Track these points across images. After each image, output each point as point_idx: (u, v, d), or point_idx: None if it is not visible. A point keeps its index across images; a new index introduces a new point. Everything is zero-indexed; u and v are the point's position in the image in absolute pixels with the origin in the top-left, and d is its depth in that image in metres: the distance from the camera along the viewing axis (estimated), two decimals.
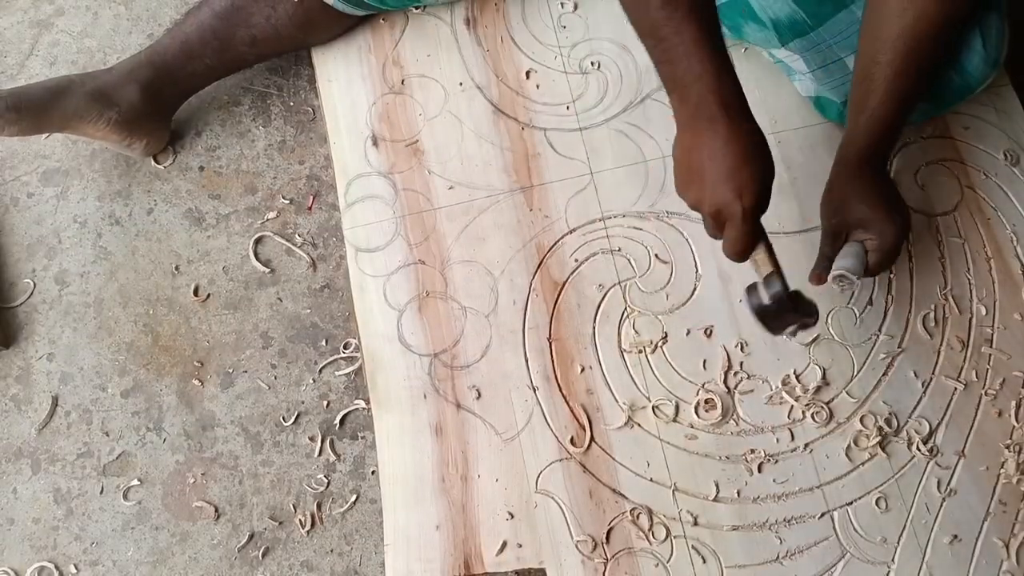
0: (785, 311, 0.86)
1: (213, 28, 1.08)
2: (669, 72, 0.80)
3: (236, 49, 1.10)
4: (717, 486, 0.99)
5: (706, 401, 1.01)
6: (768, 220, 1.08)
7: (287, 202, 1.14)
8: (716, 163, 0.78)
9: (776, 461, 1.00)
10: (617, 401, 1.02)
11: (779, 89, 1.16)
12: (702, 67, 0.77)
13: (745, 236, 0.81)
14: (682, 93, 0.80)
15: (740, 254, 0.83)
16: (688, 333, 1.05)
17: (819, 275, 0.96)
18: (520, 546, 0.97)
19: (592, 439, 1.00)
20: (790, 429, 1.01)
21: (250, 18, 1.08)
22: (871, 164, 0.94)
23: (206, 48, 1.09)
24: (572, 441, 1.00)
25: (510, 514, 0.98)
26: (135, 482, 1.03)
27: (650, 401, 1.02)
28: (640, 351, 1.04)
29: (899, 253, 0.95)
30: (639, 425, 1.01)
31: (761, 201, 0.80)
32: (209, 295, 1.10)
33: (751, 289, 0.87)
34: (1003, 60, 1.04)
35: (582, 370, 1.03)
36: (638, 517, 0.98)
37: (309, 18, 1.10)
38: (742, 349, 1.04)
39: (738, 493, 0.99)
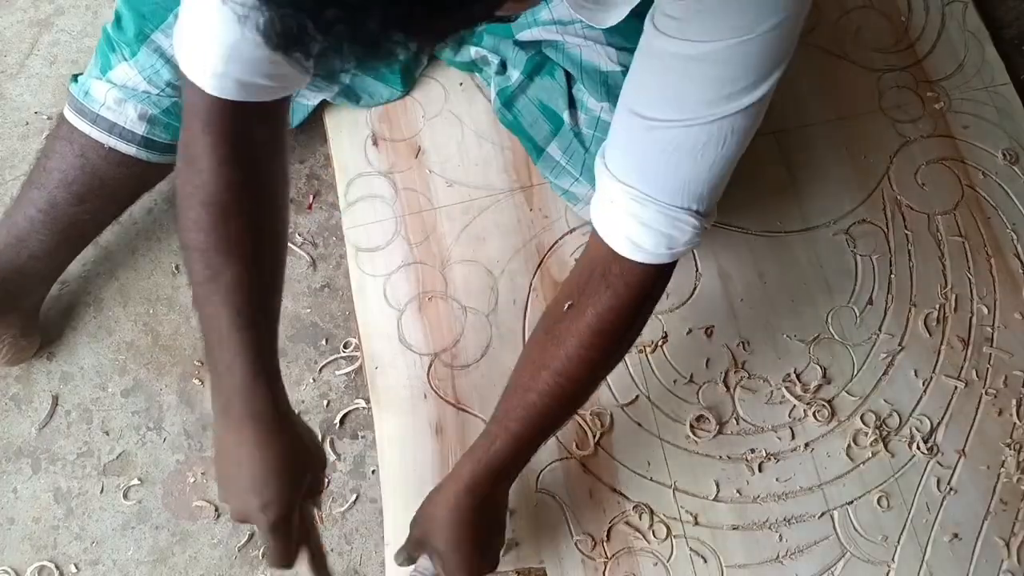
0: None
1: (31, 199, 0.96)
2: (207, 350, 0.75)
3: (64, 212, 0.96)
4: (717, 485, 0.99)
5: (698, 418, 1.01)
6: (768, 220, 1.09)
7: None
8: (242, 471, 0.73)
9: (778, 460, 1.00)
10: (617, 401, 1.02)
11: (779, 88, 1.16)
12: (234, 360, 0.72)
13: (276, 550, 0.75)
14: (216, 381, 0.74)
15: (276, 566, 0.77)
16: (688, 333, 1.05)
17: (403, 561, 0.88)
18: (520, 545, 0.97)
19: (597, 444, 1.00)
20: (791, 428, 1.01)
21: (66, 173, 0.96)
22: (479, 495, 0.81)
23: (32, 224, 0.96)
24: (577, 446, 1.00)
25: (510, 513, 0.98)
26: (135, 481, 1.03)
27: (651, 401, 1.02)
28: (640, 351, 1.04)
29: None
30: (639, 425, 1.01)
31: (287, 514, 0.74)
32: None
33: None
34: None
35: None
36: (639, 516, 0.98)
37: (128, 162, 0.97)
38: (744, 348, 1.04)
39: (739, 492, 0.99)
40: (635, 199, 0.69)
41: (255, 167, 0.73)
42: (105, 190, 0.98)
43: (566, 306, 0.76)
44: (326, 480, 0.81)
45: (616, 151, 0.71)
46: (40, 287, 1.03)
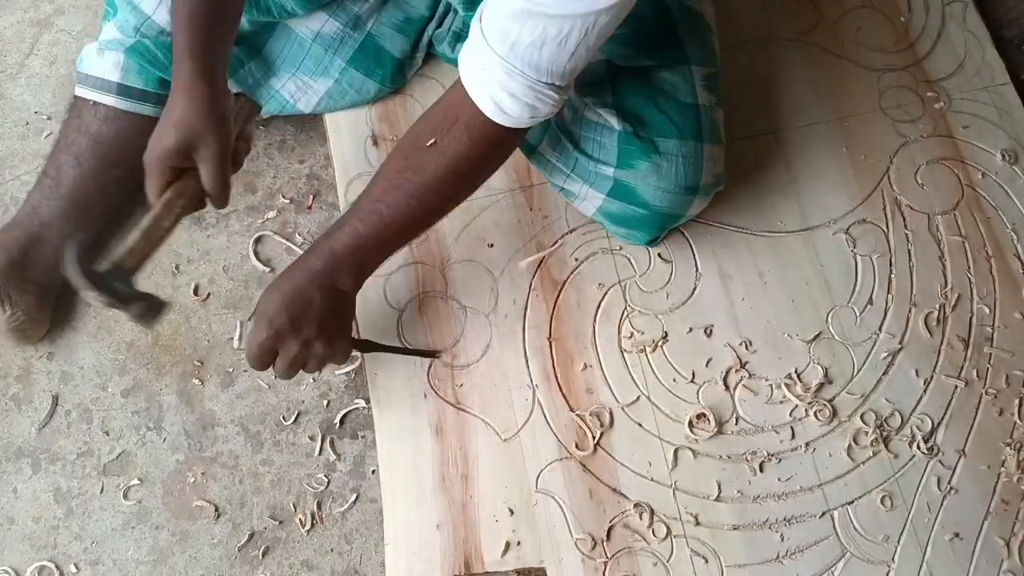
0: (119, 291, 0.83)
1: (44, 170, 1.05)
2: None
3: (67, 175, 1.04)
4: (719, 486, 0.99)
5: (699, 416, 1.01)
6: (769, 220, 1.09)
7: (287, 201, 1.14)
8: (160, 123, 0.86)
9: (779, 460, 1.00)
10: (618, 401, 1.02)
11: (779, 88, 1.16)
12: (180, 49, 0.85)
13: (147, 186, 0.86)
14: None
15: (150, 195, 0.86)
16: (688, 332, 1.05)
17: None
18: (520, 545, 0.97)
19: (597, 444, 1.00)
20: (792, 427, 1.01)
21: (67, 137, 1.04)
22: (325, 279, 0.88)
23: (44, 192, 1.04)
24: (577, 446, 1.00)
25: (510, 512, 0.98)
26: (135, 481, 1.03)
27: (651, 401, 1.02)
28: (640, 350, 1.04)
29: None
30: (640, 425, 1.01)
31: (157, 160, 0.84)
32: (209, 294, 1.10)
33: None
34: (710, 185, 0.98)
35: (584, 368, 1.03)
36: (639, 516, 0.97)
37: (112, 115, 1.04)
38: (745, 348, 1.04)
39: (739, 492, 0.99)
40: (506, 71, 0.77)
41: None
42: (99, 149, 1.04)
43: (428, 142, 0.84)
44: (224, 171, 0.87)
45: (494, 21, 0.77)
46: (55, 257, 1.05)
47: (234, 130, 0.89)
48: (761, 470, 0.99)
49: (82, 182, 1.04)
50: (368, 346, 1.00)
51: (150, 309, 0.85)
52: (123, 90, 1.03)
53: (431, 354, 1.04)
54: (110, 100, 1.03)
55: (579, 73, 0.81)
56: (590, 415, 1.01)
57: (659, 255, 1.08)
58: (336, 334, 0.90)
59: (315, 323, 0.87)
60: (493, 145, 0.85)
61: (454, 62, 1.13)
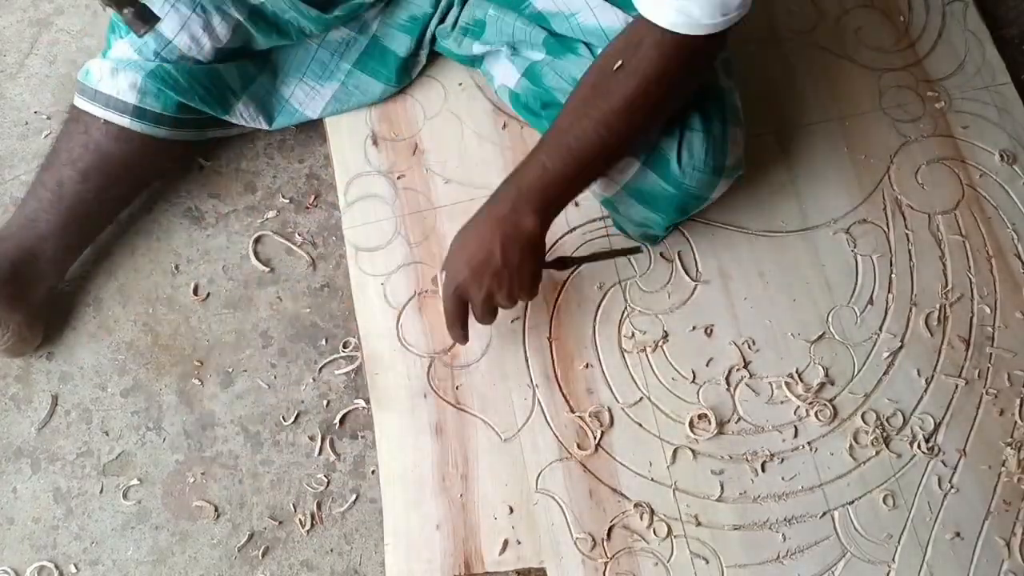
0: None
1: (41, 180, 1.02)
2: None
3: (70, 190, 1.01)
4: (722, 486, 0.99)
5: (700, 416, 1.01)
6: (770, 220, 1.09)
7: (287, 201, 1.14)
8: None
9: (780, 460, 1.00)
10: (618, 401, 1.02)
11: (780, 88, 1.16)
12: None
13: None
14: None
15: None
16: (689, 332, 1.05)
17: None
18: (520, 545, 0.97)
19: (598, 445, 1.00)
20: (792, 427, 1.01)
21: (72, 151, 1.02)
22: (517, 217, 0.88)
23: (41, 204, 1.01)
24: (578, 446, 1.00)
25: (510, 512, 0.98)
26: (135, 481, 1.03)
27: (651, 400, 1.02)
28: (641, 350, 1.04)
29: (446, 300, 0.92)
30: (640, 425, 1.01)
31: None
32: (209, 294, 1.10)
33: None
34: (734, 167, 0.98)
35: (587, 366, 1.03)
36: (640, 517, 0.97)
37: (124, 136, 1.02)
38: (745, 348, 1.04)
39: (740, 492, 0.99)
40: None
41: None
42: (107, 167, 1.02)
43: (616, 65, 0.80)
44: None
45: None
46: (49, 273, 1.04)
47: None
48: (763, 470, 0.99)
49: (86, 197, 1.02)
50: (567, 262, 0.99)
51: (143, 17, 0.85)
52: (139, 112, 1.01)
53: (634, 251, 1.03)
54: (124, 121, 1.01)
55: None
56: (590, 415, 1.01)
57: (660, 254, 1.08)
58: (519, 282, 0.90)
59: (496, 275, 0.87)
60: (686, 59, 0.79)
61: (459, 58, 1.14)
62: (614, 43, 0.84)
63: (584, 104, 0.83)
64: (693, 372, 1.03)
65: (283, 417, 1.05)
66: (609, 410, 1.01)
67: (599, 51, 0.98)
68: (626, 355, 1.04)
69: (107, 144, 1.01)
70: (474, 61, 1.13)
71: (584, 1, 0.98)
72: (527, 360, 1.04)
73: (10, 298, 1.00)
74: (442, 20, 1.11)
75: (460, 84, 1.15)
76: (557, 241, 1.08)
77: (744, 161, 1.00)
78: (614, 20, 0.96)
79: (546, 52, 1.03)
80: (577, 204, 1.09)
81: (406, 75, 1.14)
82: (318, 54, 1.10)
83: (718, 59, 0.97)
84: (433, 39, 1.13)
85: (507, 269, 0.88)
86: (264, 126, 1.11)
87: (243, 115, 1.08)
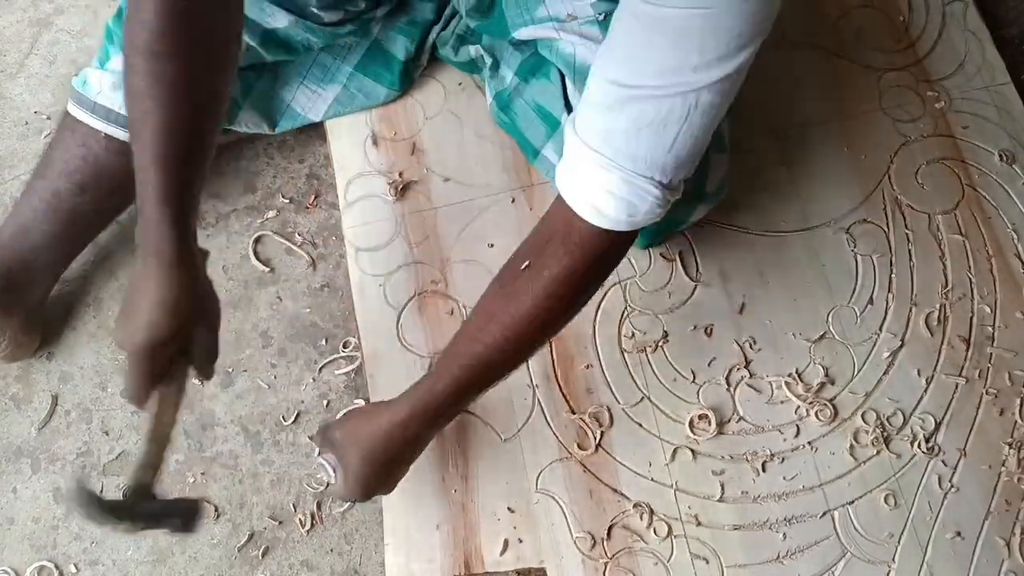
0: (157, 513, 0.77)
1: (35, 189, 0.99)
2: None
3: (67, 202, 0.99)
4: (722, 486, 0.99)
5: (700, 416, 1.01)
6: (770, 220, 1.09)
7: (287, 201, 1.14)
8: (130, 300, 0.74)
9: (780, 460, 1.00)
10: (618, 401, 1.02)
11: (780, 88, 1.16)
12: (146, 198, 0.73)
13: (129, 381, 0.75)
14: (139, 217, 0.75)
15: (127, 398, 0.77)
16: (689, 332, 1.05)
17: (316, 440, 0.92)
18: (520, 545, 0.97)
19: (599, 445, 1.00)
20: (792, 427, 1.01)
21: (68, 163, 0.98)
22: (418, 430, 0.84)
23: (36, 214, 0.99)
24: (578, 446, 1.00)
25: (510, 512, 0.98)
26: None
27: (651, 401, 1.02)
28: (641, 350, 1.04)
29: None
30: (640, 425, 1.01)
31: (149, 348, 0.73)
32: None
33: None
34: (714, 193, 0.98)
35: (587, 366, 1.03)
36: (640, 516, 0.97)
37: (125, 150, 0.97)
38: (745, 348, 1.04)
39: (741, 493, 0.99)
40: (600, 165, 0.70)
41: (200, 18, 0.73)
42: (105, 179, 1.00)
43: (523, 265, 0.77)
44: (212, 347, 0.82)
45: (584, 115, 0.72)
46: (43, 281, 1.04)
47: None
48: (763, 470, 0.99)
49: (83, 209, 1.00)
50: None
51: (187, 517, 0.79)
52: None
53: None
54: (125, 136, 0.97)
55: (685, 171, 0.72)
56: (589, 416, 1.01)
57: (660, 255, 1.08)
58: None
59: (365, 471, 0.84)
60: (592, 258, 0.75)
61: (457, 65, 1.14)
62: (531, 233, 0.80)
63: (493, 305, 0.79)
64: (693, 372, 1.03)
65: (283, 417, 1.05)
66: (609, 410, 1.01)
67: (569, 84, 0.98)
68: (626, 355, 1.04)
69: (106, 157, 0.99)
70: (472, 68, 1.13)
71: (570, 35, 0.97)
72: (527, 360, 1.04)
73: (5, 306, 0.99)
74: (444, 28, 1.12)
75: (460, 84, 1.15)
76: None
77: (728, 183, 1.00)
78: (588, 57, 0.95)
79: (516, 75, 1.04)
80: None
81: (408, 78, 1.14)
82: (319, 58, 1.10)
83: None
84: (434, 46, 1.13)
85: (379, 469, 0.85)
86: (267, 131, 1.11)
87: (246, 123, 1.08)
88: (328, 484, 0.86)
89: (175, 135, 0.72)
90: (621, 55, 0.68)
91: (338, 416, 0.89)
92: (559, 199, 0.75)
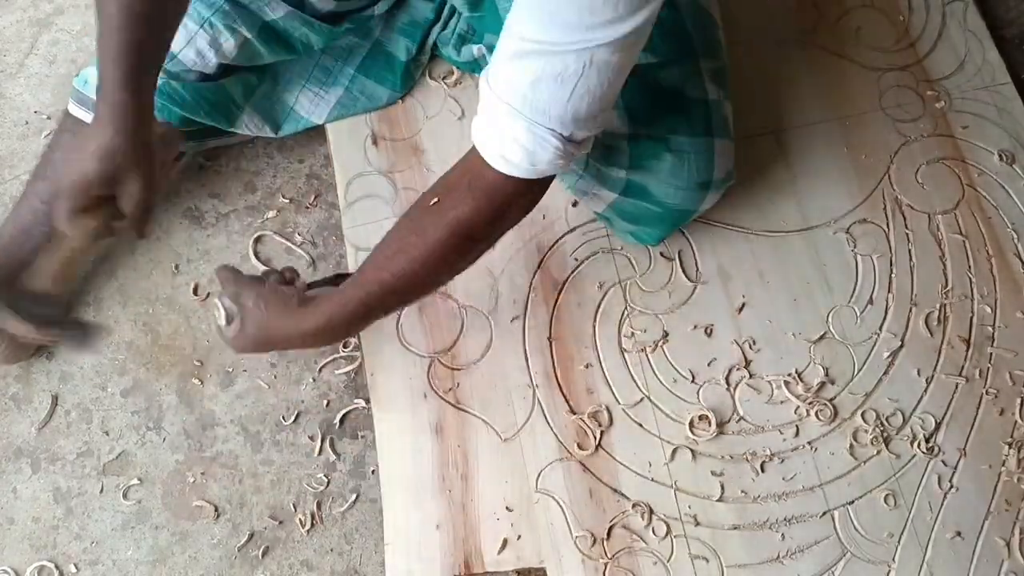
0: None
1: (35, 191, 1.00)
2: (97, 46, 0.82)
3: None
4: (722, 486, 0.99)
5: (700, 417, 1.01)
6: (770, 220, 1.09)
7: (287, 201, 1.14)
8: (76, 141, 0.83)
9: (781, 460, 1.00)
10: (618, 401, 1.02)
11: (779, 88, 1.16)
12: (106, 58, 0.80)
13: (55, 209, 0.84)
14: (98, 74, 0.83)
15: (52, 221, 0.86)
16: (689, 332, 1.05)
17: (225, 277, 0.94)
18: (520, 545, 0.97)
19: (599, 445, 1.00)
20: (792, 427, 1.01)
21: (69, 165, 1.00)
22: (324, 339, 0.89)
23: (36, 216, 0.99)
24: (579, 446, 1.00)
25: (510, 512, 0.98)
26: (135, 481, 1.03)
27: (651, 400, 1.02)
28: (641, 350, 1.04)
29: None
30: (640, 425, 1.01)
31: (73, 187, 0.83)
32: (209, 294, 1.10)
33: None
34: (722, 180, 0.98)
35: (587, 366, 1.03)
36: (640, 516, 0.97)
37: None
38: (745, 348, 1.04)
39: (741, 492, 0.99)
40: (507, 114, 0.74)
41: None
42: None
43: (432, 201, 0.81)
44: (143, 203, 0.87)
45: (495, 67, 0.75)
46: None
47: (157, 156, 0.87)
48: (763, 470, 0.99)
49: None
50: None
51: (85, 334, 0.86)
52: None
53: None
54: None
55: (587, 127, 0.75)
56: (589, 416, 1.01)
57: (660, 254, 1.08)
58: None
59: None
60: (496, 202, 0.80)
61: (459, 65, 1.14)
62: (444, 174, 0.84)
63: (402, 238, 0.83)
64: (693, 372, 1.03)
65: (283, 417, 1.05)
66: (608, 410, 1.01)
67: None
68: (626, 355, 1.04)
69: None
70: (474, 67, 1.13)
71: None
72: (527, 360, 1.04)
73: (5, 307, 0.97)
74: (444, 28, 1.11)
75: (460, 83, 1.15)
76: (557, 241, 1.08)
77: (735, 172, 1.00)
78: None
79: None
80: (575, 204, 1.09)
81: (410, 79, 1.14)
82: (321, 60, 1.10)
83: (704, 71, 0.96)
84: (435, 46, 1.13)
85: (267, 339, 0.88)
86: (270, 134, 1.10)
87: (248, 126, 1.08)
88: (218, 325, 0.89)
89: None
90: (527, 12, 0.71)
91: (254, 277, 0.90)
92: (473, 147, 0.79)
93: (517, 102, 0.73)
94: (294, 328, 0.86)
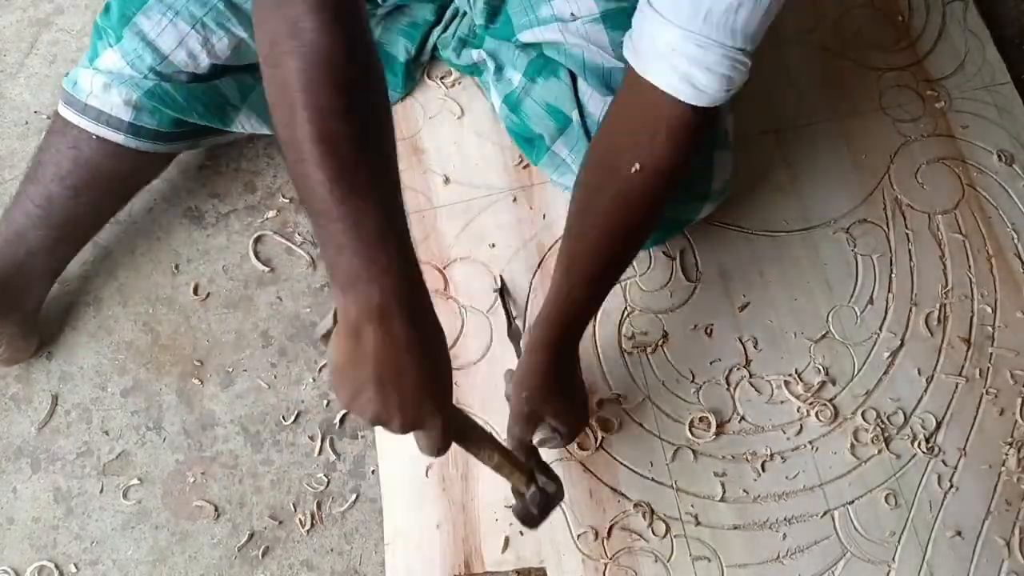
0: (546, 504, 0.85)
1: (27, 194, 0.98)
2: (342, 261, 0.62)
3: (60, 206, 0.98)
4: (723, 486, 0.98)
5: (700, 419, 1.01)
6: (770, 220, 1.09)
7: (287, 201, 1.14)
8: (397, 375, 0.64)
9: (781, 460, 1.00)
10: (618, 400, 1.02)
11: (780, 88, 1.16)
12: (387, 261, 0.61)
13: (441, 437, 0.71)
14: (357, 288, 0.62)
15: (432, 454, 0.73)
16: (689, 332, 1.05)
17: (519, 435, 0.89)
18: (520, 544, 0.97)
19: (600, 445, 1.00)
20: (792, 427, 1.01)
21: (60, 166, 0.97)
22: (566, 349, 0.87)
23: (30, 219, 0.98)
24: (579, 446, 1.00)
25: (510, 512, 0.98)
26: (135, 481, 1.03)
27: (651, 401, 1.02)
28: (641, 350, 1.04)
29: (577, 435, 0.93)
30: (641, 425, 1.01)
31: (444, 419, 0.69)
32: (209, 294, 1.10)
33: (517, 498, 0.85)
34: (720, 191, 1.00)
35: (588, 366, 1.03)
36: (641, 516, 0.97)
37: (117, 152, 0.98)
38: (745, 348, 1.04)
39: (742, 492, 0.99)
40: (699, 44, 0.72)
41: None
42: (99, 182, 0.99)
43: (633, 169, 0.77)
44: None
45: (671, 3, 0.73)
46: (40, 285, 1.03)
47: None
48: (764, 470, 0.99)
49: (77, 212, 0.99)
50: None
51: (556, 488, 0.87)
52: (134, 129, 0.97)
53: None
54: (119, 138, 0.97)
55: (759, 40, 0.75)
56: (596, 420, 1.01)
57: (660, 254, 1.08)
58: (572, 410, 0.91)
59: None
60: (693, 138, 0.78)
61: (459, 68, 1.14)
62: (617, 126, 0.80)
63: (608, 219, 0.80)
64: (693, 372, 1.03)
65: (283, 417, 1.05)
66: (610, 412, 1.01)
67: (581, 82, 0.99)
68: (626, 355, 1.04)
69: (98, 160, 0.98)
70: (474, 70, 1.13)
71: (575, 38, 0.97)
72: None
73: (1, 312, 0.99)
74: (445, 30, 1.11)
75: (460, 84, 1.15)
76: (557, 241, 1.08)
77: (733, 180, 1.00)
78: (598, 58, 0.96)
79: (524, 75, 1.03)
80: None
81: (411, 81, 1.14)
82: None
83: None
84: (434, 48, 1.13)
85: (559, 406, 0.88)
86: (268, 131, 1.10)
87: (245, 125, 1.07)
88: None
89: (389, 178, 0.65)
90: None
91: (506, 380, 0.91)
92: (645, 86, 0.75)
93: (712, 31, 0.71)
94: (544, 361, 0.85)
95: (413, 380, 0.65)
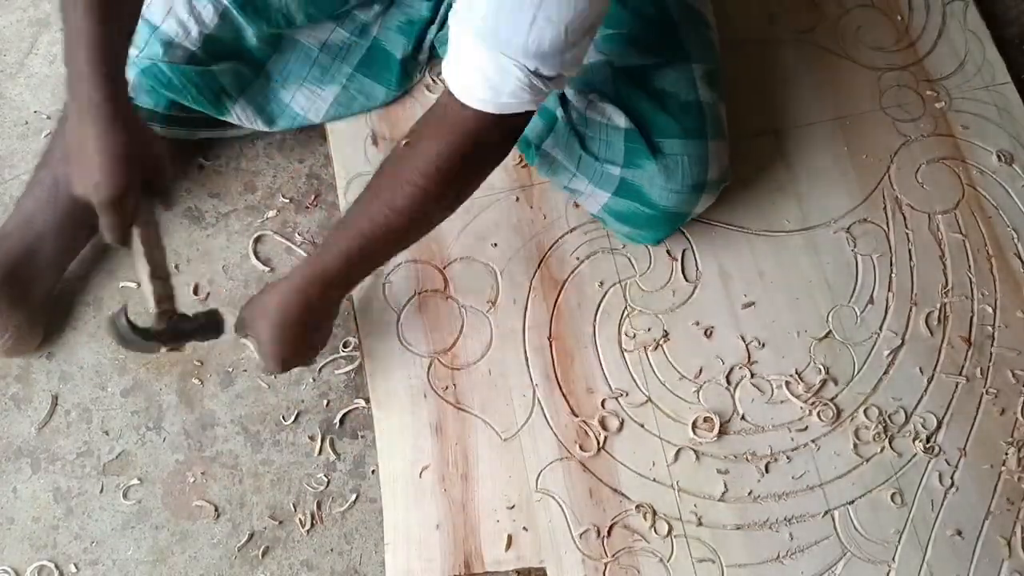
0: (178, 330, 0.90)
1: (38, 179, 1.02)
2: (64, 47, 0.79)
3: (65, 188, 0.96)
4: (725, 485, 0.98)
5: (704, 419, 1.01)
6: (770, 220, 1.09)
7: (287, 201, 1.14)
8: (83, 153, 0.79)
9: (779, 460, 1.00)
10: (618, 400, 1.02)
11: (779, 88, 1.16)
12: (80, 55, 0.77)
13: (107, 225, 0.82)
14: (69, 74, 0.79)
15: (110, 241, 0.84)
16: (689, 332, 1.05)
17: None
18: (520, 544, 0.97)
19: (601, 446, 1.00)
20: (793, 427, 1.01)
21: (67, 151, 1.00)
22: (314, 296, 0.89)
23: (39, 204, 1.01)
24: (580, 447, 1.00)
25: (510, 512, 0.98)
26: (135, 481, 1.03)
27: (652, 401, 1.02)
28: (642, 350, 1.04)
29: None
30: (641, 425, 1.01)
31: (118, 193, 0.79)
32: (209, 294, 1.10)
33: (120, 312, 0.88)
34: (716, 182, 1.00)
35: (588, 366, 1.03)
36: (642, 516, 0.97)
37: None
38: (745, 348, 1.04)
39: (741, 492, 0.98)
40: (472, 42, 0.74)
41: None
42: None
43: (403, 143, 0.82)
44: (167, 180, 0.89)
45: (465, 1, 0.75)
46: (49, 273, 1.04)
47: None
48: (765, 470, 0.99)
49: None
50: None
51: (214, 325, 0.93)
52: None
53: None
54: None
55: (552, 63, 0.74)
56: (597, 420, 1.00)
57: (661, 253, 1.08)
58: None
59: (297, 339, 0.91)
60: (465, 137, 0.79)
61: None
62: (416, 123, 0.84)
63: (379, 183, 0.84)
64: (693, 372, 1.03)
65: (283, 417, 1.05)
66: (611, 412, 1.01)
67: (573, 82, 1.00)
68: (626, 355, 1.04)
69: None
70: None
71: None
72: (527, 360, 1.04)
73: (10, 298, 1.00)
74: (441, 27, 1.11)
75: None
76: (557, 241, 1.08)
77: (731, 172, 1.01)
78: (593, 56, 0.97)
79: None
80: (577, 205, 1.09)
81: (407, 78, 1.14)
82: (318, 59, 1.10)
83: (697, 73, 0.96)
84: (432, 46, 1.13)
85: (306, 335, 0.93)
86: (263, 127, 1.11)
87: (240, 116, 1.08)
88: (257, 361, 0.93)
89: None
90: None
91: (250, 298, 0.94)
92: (446, 87, 0.79)
93: (480, 31, 0.73)
94: (285, 295, 0.88)
95: (83, 161, 0.79)
